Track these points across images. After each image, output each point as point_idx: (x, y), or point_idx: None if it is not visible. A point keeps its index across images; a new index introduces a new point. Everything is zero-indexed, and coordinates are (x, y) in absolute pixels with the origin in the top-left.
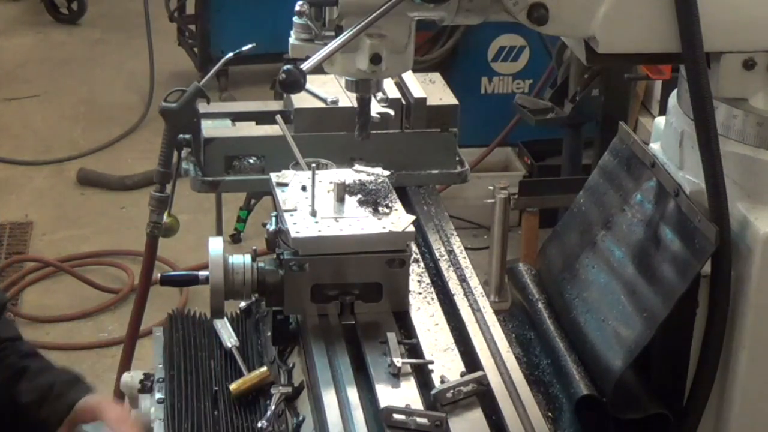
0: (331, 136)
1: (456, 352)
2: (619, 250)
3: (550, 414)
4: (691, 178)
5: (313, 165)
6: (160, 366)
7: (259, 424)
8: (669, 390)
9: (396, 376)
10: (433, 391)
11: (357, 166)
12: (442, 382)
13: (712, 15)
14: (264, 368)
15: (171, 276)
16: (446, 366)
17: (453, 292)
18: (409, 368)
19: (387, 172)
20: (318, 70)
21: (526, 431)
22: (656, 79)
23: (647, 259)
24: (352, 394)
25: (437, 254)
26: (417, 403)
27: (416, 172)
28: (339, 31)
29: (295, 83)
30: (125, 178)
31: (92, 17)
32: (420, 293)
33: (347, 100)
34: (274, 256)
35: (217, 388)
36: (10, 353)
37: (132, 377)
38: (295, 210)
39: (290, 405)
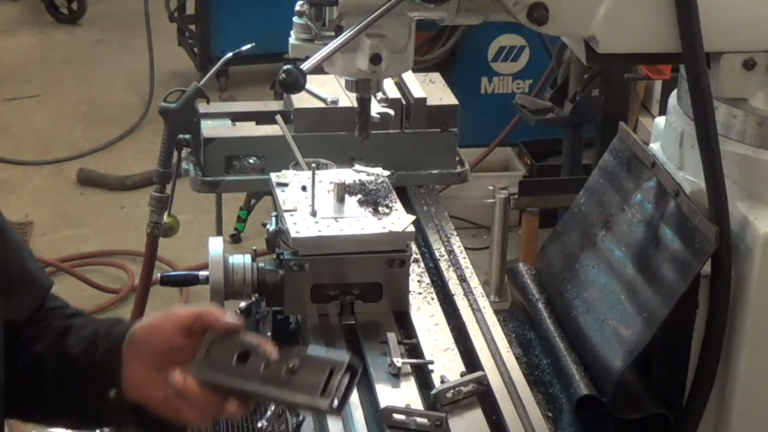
0: (331, 136)
1: (456, 352)
2: (619, 250)
3: (550, 414)
4: (691, 178)
5: (313, 165)
6: None
7: (259, 424)
8: (669, 390)
9: (396, 376)
10: (433, 391)
11: (357, 166)
12: (442, 382)
13: (712, 15)
14: None
15: (171, 276)
16: (446, 366)
17: (453, 292)
18: (409, 368)
19: (387, 172)
20: (318, 70)
21: (526, 431)
22: (656, 79)
23: (647, 259)
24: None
25: (437, 254)
26: (417, 403)
27: (416, 172)
28: (339, 31)
29: (295, 83)
30: (125, 178)
31: (92, 17)
32: (420, 293)
33: (347, 100)
34: (274, 256)
35: None
36: (55, 318)
37: None
38: (295, 210)
39: None
